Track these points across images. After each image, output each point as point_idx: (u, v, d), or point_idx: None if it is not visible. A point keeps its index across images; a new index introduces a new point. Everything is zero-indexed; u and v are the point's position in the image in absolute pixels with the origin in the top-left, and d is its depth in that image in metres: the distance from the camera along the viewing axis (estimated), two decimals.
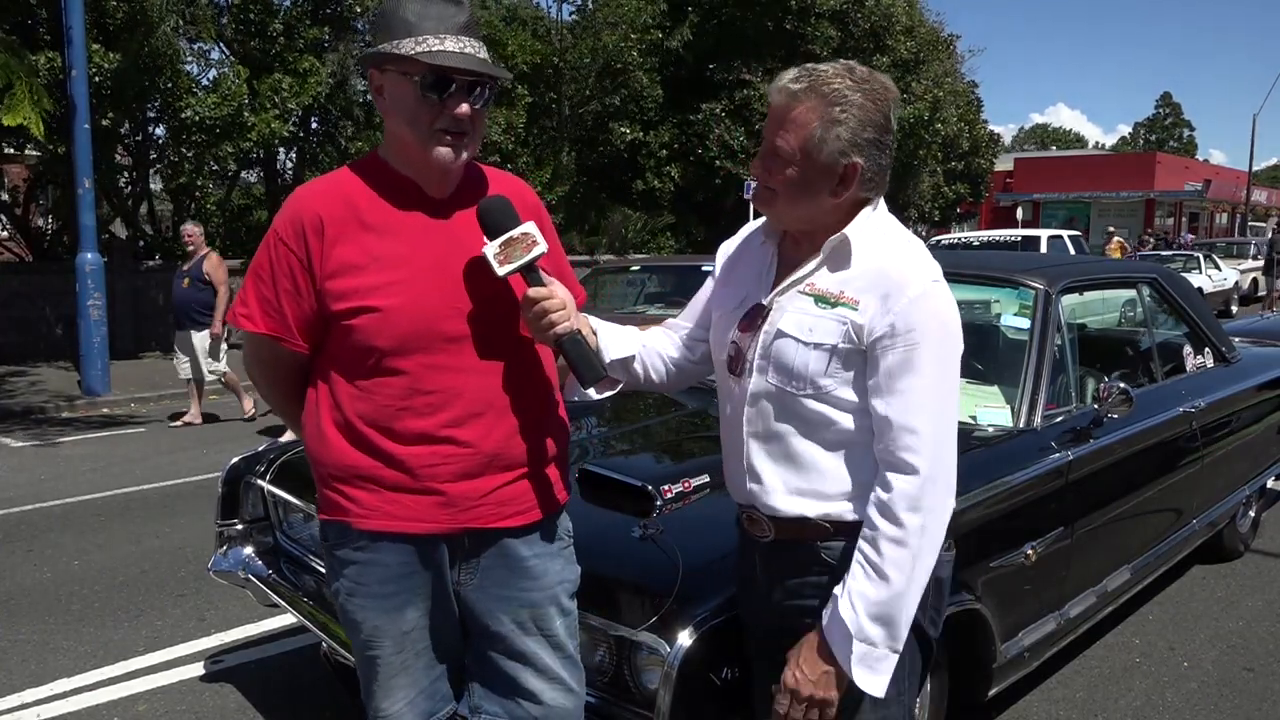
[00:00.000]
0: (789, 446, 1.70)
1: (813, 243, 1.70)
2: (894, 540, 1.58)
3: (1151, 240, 25.49)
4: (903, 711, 1.77)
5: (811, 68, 1.64)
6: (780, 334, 1.68)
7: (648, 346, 1.97)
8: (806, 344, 1.64)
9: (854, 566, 1.61)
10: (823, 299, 1.65)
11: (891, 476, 1.60)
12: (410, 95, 1.67)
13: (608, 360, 1.89)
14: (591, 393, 1.92)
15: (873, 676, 1.61)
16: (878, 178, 1.66)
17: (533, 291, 1.72)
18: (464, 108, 1.68)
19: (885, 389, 1.60)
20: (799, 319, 1.66)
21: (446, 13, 1.67)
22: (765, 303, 1.73)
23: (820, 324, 1.64)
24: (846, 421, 1.65)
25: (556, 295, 1.73)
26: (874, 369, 1.61)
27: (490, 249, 1.71)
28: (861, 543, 1.61)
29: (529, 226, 1.73)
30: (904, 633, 1.62)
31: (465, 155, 1.73)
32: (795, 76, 1.63)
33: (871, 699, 1.68)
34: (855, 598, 1.59)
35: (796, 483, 1.70)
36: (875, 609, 1.59)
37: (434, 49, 1.64)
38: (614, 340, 1.92)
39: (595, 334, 1.89)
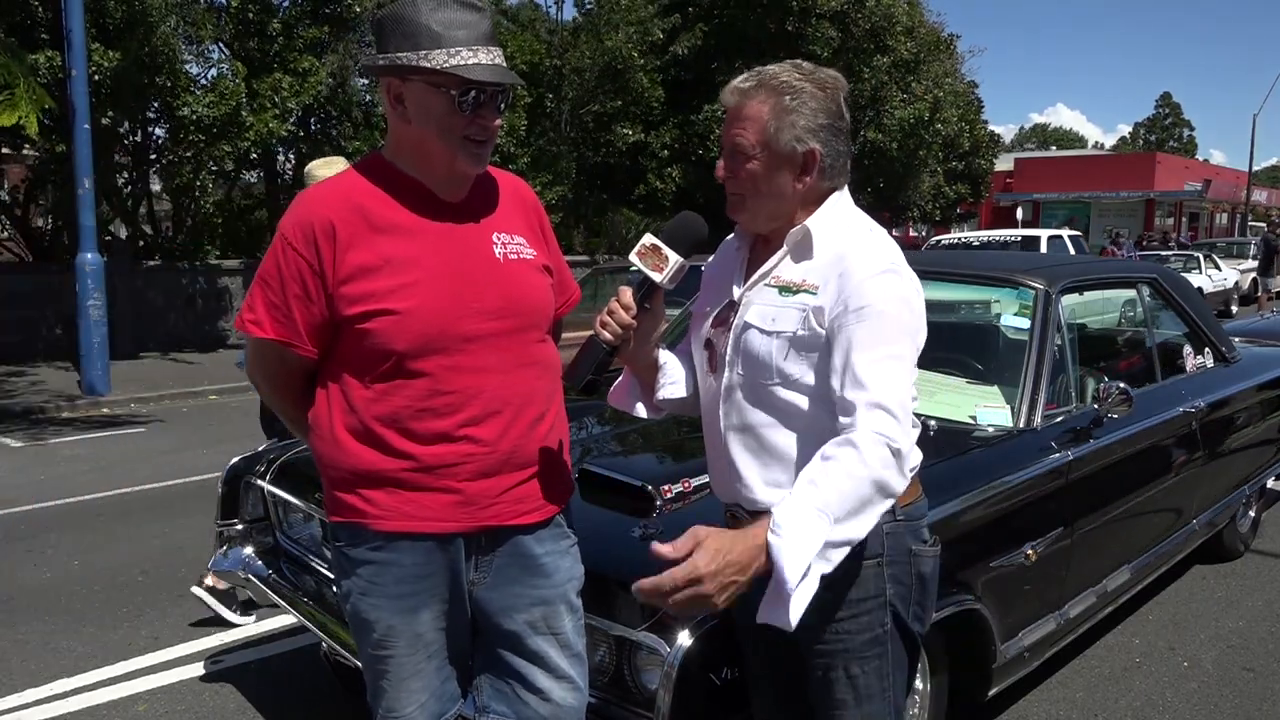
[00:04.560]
0: (764, 438, 1.71)
1: (780, 239, 1.73)
2: (851, 475, 1.49)
3: (1123, 239, 25.17)
4: (888, 707, 1.77)
5: (760, 69, 1.70)
6: (747, 326, 1.71)
7: (692, 385, 1.95)
8: (769, 333, 1.67)
9: (806, 482, 1.50)
10: (785, 288, 1.69)
11: (854, 432, 1.53)
12: (442, 107, 1.68)
13: (659, 398, 1.91)
14: (641, 410, 1.95)
15: (787, 604, 1.46)
16: (838, 164, 1.71)
17: (623, 290, 1.75)
18: (498, 121, 1.72)
19: (841, 365, 1.59)
20: (763, 310, 1.70)
21: (471, 21, 1.67)
22: (736, 299, 1.76)
23: (782, 313, 1.67)
24: (816, 409, 1.67)
25: (628, 315, 1.73)
26: (833, 348, 1.62)
27: (646, 239, 1.74)
28: (821, 462, 1.52)
29: (675, 258, 1.73)
30: (822, 568, 1.47)
31: (486, 161, 1.77)
32: (744, 77, 1.69)
33: (856, 694, 1.69)
34: (807, 506, 1.47)
35: (775, 475, 1.71)
36: (816, 525, 1.46)
37: (469, 62, 1.65)
38: (672, 380, 1.91)
39: (660, 368, 1.89)
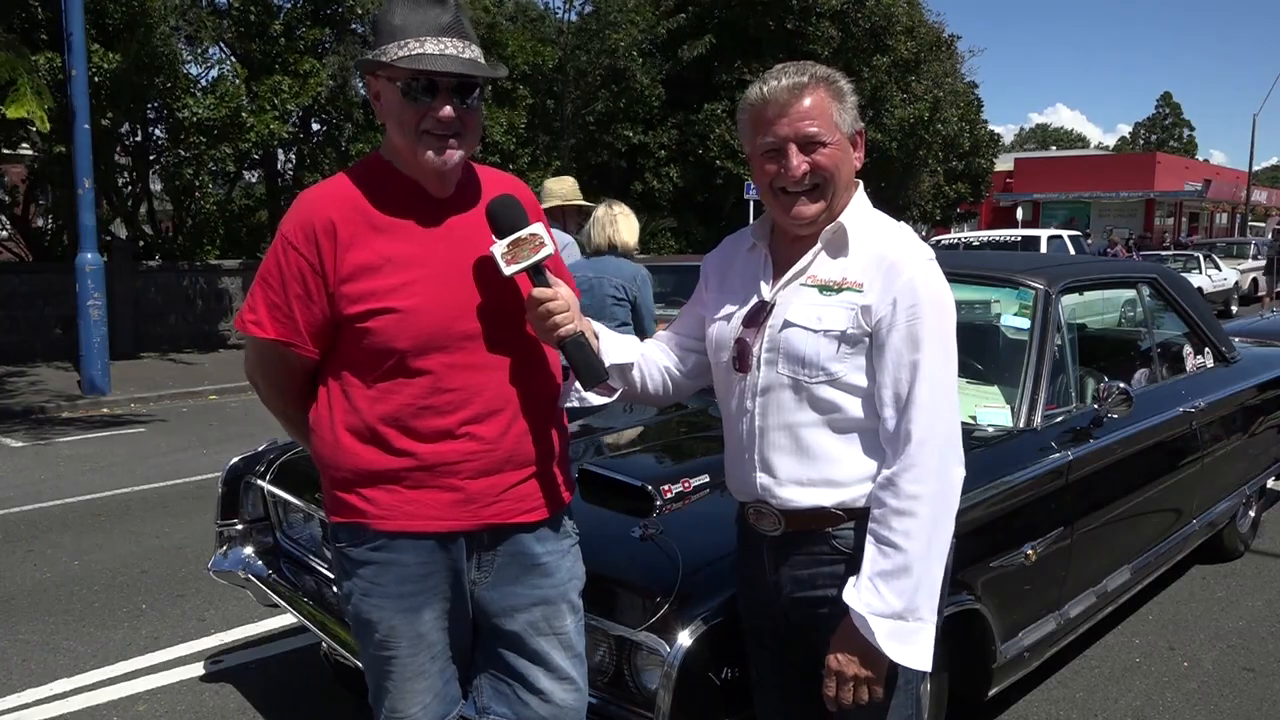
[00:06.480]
0: (801, 437, 1.73)
1: (806, 238, 1.76)
2: (901, 511, 1.62)
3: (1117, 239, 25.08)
4: (911, 699, 1.78)
5: (787, 65, 1.75)
6: (788, 324, 1.72)
7: (646, 356, 1.98)
8: (816, 331, 1.69)
9: (867, 546, 1.65)
10: (826, 287, 1.71)
11: (897, 450, 1.65)
12: (396, 100, 1.68)
13: (607, 365, 1.89)
14: (590, 397, 1.93)
15: (907, 649, 1.63)
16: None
17: (537, 292, 1.73)
18: (446, 110, 1.67)
19: (891, 366, 1.66)
20: (806, 309, 1.71)
21: (430, 15, 1.67)
22: (768, 298, 1.76)
23: (828, 311, 1.69)
24: (856, 408, 1.70)
25: (561, 296, 1.74)
26: (879, 350, 1.67)
27: (498, 248, 1.71)
28: (872, 523, 1.66)
29: (537, 228, 1.74)
30: (930, 603, 1.64)
31: (458, 156, 1.73)
32: (788, 74, 1.71)
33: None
34: (874, 576, 1.63)
35: (810, 473, 1.73)
36: (892, 582, 1.62)
37: (413, 52, 1.65)
38: (614, 346, 1.93)
39: (597, 337, 1.90)
